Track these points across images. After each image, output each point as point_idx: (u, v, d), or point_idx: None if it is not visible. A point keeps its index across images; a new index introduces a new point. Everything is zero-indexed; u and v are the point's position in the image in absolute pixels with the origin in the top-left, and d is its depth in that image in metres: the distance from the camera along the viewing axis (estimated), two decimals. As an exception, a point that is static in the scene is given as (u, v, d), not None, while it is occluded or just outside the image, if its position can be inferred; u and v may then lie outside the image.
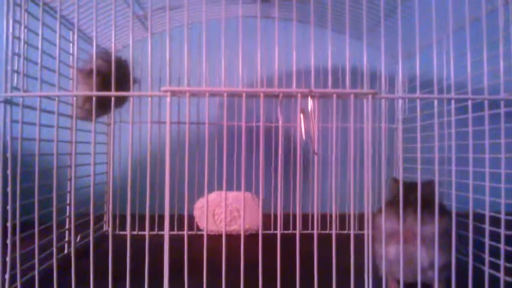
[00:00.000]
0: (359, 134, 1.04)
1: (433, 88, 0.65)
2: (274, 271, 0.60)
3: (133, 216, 1.09)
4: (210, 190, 1.13)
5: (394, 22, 0.82)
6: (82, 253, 0.75)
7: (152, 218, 0.96)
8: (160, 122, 1.05)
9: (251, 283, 0.61)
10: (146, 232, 0.62)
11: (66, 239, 0.88)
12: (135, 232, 1.10)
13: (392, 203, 0.67)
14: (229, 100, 1.21)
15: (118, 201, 1.09)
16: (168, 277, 0.60)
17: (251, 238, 1.06)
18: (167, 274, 0.60)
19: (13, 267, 0.64)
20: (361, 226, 0.66)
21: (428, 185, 0.67)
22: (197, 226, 1.14)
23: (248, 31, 0.67)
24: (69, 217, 0.87)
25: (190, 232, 1.10)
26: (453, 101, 0.65)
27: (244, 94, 0.59)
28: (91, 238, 0.62)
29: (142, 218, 1.08)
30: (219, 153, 0.64)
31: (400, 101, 1.07)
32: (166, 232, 0.61)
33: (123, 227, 1.09)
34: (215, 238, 1.03)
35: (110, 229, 1.08)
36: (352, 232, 0.63)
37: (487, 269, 0.65)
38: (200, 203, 1.14)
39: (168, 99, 0.59)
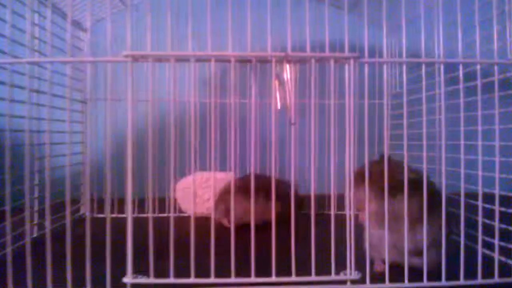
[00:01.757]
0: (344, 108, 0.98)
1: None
2: (249, 257, 0.56)
3: (111, 199, 1.05)
4: (183, 171, 1.09)
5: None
6: (54, 236, 0.69)
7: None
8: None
9: (225, 267, 0.56)
10: (107, 215, 0.57)
11: (36, 221, 0.83)
12: (114, 215, 1.05)
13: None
14: (202, 76, 1.16)
15: (95, 184, 1.04)
16: (139, 263, 0.56)
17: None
18: (131, 257, 0.55)
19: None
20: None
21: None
22: (179, 208, 1.09)
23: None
24: (39, 198, 0.83)
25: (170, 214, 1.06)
26: (442, 67, 0.60)
27: (213, 59, 0.53)
28: (67, 220, 0.57)
29: (121, 201, 1.03)
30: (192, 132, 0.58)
31: (385, 68, 1.01)
32: (129, 216, 0.56)
33: (101, 210, 1.04)
34: (198, 221, 0.98)
35: (87, 212, 1.03)
36: (333, 212, 0.59)
37: (480, 249, 0.60)
38: (182, 184, 1.09)
39: (128, 65, 0.53)
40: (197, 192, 1.07)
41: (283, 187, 0.87)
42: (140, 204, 1.02)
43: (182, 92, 0.89)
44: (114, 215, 1.03)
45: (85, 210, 1.05)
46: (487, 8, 0.64)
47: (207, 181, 1.07)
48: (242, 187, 0.76)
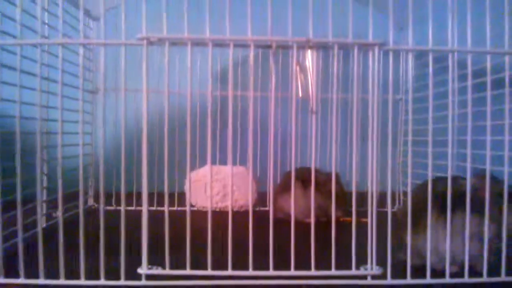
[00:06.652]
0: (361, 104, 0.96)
1: (445, 63, 0.58)
2: (267, 250, 0.54)
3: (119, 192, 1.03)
4: (203, 164, 1.07)
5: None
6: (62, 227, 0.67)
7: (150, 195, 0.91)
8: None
9: (241, 260, 0.54)
10: (122, 207, 0.56)
11: (44, 212, 0.81)
12: (132, 208, 1.03)
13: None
14: (222, 69, 1.14)
15: (102, 175, 1.02)
16: (153, 255, 0.54)
17: (246, 215, 0.99)
18: (146, 249, 0.53)
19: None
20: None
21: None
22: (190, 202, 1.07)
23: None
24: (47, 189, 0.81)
25: (180, 209, 1.04)
26: (469, 57, 0.57)
27: (231, 43, 0.51)
28: (80, 210, 0.55)
29: (133, 194, 1.02)
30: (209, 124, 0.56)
31: (410, 57, 0.99)
32: (144, 208, 0.55)
33: (110, 202, 1.02)
34: (207, 215, 0.95)
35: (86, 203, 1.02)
36: (354, 208, 0.56)
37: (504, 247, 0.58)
38: (191, 177, 1.07)
39: (144, 49, 0.51)
40: (207, 186, 1.06)
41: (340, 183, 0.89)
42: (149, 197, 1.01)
43: (195, 82, 0.87)
44: (132, 208, 1.02)
45: (95, 202, 1.04)
46: None
47: (217, 174, 1.06)
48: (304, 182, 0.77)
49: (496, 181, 0.59)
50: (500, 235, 0.56)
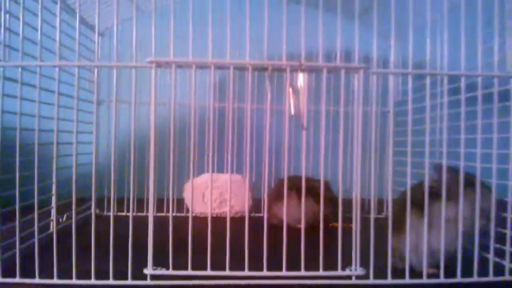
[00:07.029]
0: (351, 117, 1.02)
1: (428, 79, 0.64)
2: (261, 253, 0.60)
3: (122, 199, 1.08)
4: (201, 172, 1.12)
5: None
6: (67, 232, 0.72)
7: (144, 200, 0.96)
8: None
9: (238, 262, 0.60)
10: (131, 213, 0.61)
11: (52, 218, 0.86)
12: (133, 213, 1.07)
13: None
14: (220, 80, 1.20)
15: (113, 183, 1.07)
16: (156, 257, 0.59)
17: (241, 220, 1.05)
18: (151, 252, 0.59)
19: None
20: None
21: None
22: (187, 208, 1.12)
23: (240, 5, 0.65)
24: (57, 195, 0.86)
25: (179, 214, 1.09)
26: (446, 78, 0.64)
27: (231, 67, 0.57)
28: (92, 215, 0.61)
29: (134, 200, 1.06)
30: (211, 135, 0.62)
31: (392, 78, 1.05)
32: (150, 214, 0.60)
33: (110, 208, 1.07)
34: (204, 220, 1.00)
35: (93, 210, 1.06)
36: (340, 214, 0.62)
37: (477, 250, 0.64)
38: (190, 184, 1.12)
39: (152, 71, 0.57)
40: (204, 193, 1.11)
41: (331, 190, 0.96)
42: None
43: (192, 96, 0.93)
44: (122, 214, 1.07)
45: (96, 208, 1.08)
46: (489, 21, 0.67)
47: (214, 182, 1.10)
48: (298, 190, 0.73)
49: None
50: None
